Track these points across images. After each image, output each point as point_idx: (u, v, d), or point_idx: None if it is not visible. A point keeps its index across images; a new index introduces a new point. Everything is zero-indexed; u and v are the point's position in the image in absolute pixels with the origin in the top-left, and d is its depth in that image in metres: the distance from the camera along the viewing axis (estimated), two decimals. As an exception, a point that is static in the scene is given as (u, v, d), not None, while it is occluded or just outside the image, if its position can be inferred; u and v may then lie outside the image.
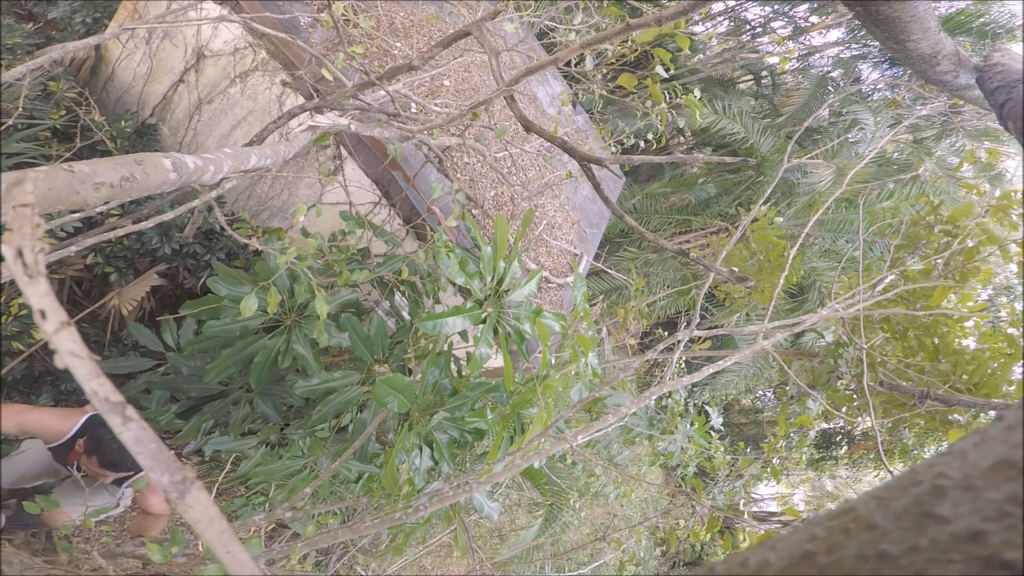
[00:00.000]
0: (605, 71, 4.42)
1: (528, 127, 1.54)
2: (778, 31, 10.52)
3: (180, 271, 3.48)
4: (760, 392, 13.45)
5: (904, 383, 3.52)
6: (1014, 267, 3.54)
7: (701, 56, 10.35)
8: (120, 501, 2.49)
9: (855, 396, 4.04)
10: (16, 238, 0.35)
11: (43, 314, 0.32)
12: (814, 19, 10.14)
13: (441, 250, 2.41)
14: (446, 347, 2.59)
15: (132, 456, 2.24)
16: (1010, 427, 0.28)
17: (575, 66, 4.69)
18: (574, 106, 5.79)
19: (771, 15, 10.19)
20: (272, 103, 3.36)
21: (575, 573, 6.26)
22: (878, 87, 9.75)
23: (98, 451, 2.15)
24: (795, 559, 0.29)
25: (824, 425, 10.92)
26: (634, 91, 2.80)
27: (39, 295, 0.33)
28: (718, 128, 8.49)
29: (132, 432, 0.32)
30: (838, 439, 11.72)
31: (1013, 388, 3.38)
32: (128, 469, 2.27)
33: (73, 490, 2.44)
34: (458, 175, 3.78)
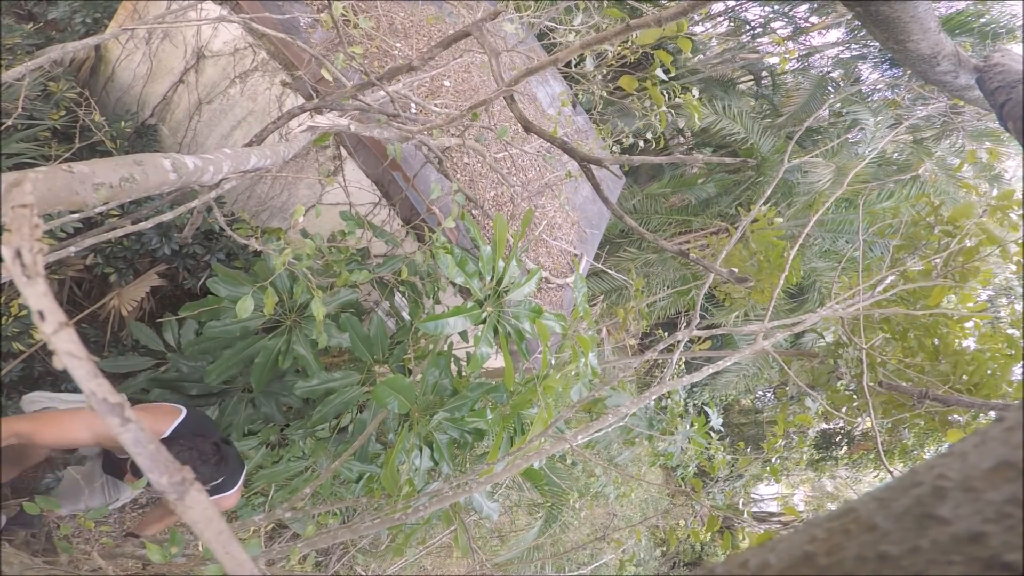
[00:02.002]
0: (605, 72, 4.42)
1: (528, 127, 1.54)
2: (778, 31, 10.53)
3: (180, 271, 3.47)
4: (760, 392, 13.45)
5: (904, 383, 3.52)
6: (1013, 267, 3.54)
7: (701, 56, 10.35)
8: (111, 505, 2.45)
9: (855, 396, 4.05)
10: (15, 239, 0.35)
11: (41, 315, 0.32)
12: (814, 19, 10.14)
13: (439, 251, 2.41)
14: (446, 347, 2.59)
15: (209, 469, 2.01)
16: (1010, 428, 0.28)
17: (575, 67, 4.69)
18: (574, 107, 5.79)
19: (771, 15, 10.19)
20: (272, 103, 3.36)
21: (575, 573, 6.25)
22: (878, 87, 9.75)
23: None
24: (795, 560, 0.29)
25: (824, 425, 10.91)
26: (634, 92, 2.80)
27: (37, 296, 0.33)
28: (718, 128, 8.50)
29: (131, 433, 0.32)
30: (838, 439, 11.72)
31: (1012, 389, 3.38)
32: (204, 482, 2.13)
33: (71, 489, 2.38)
34: (458, 175, 3.78)
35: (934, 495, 0.26)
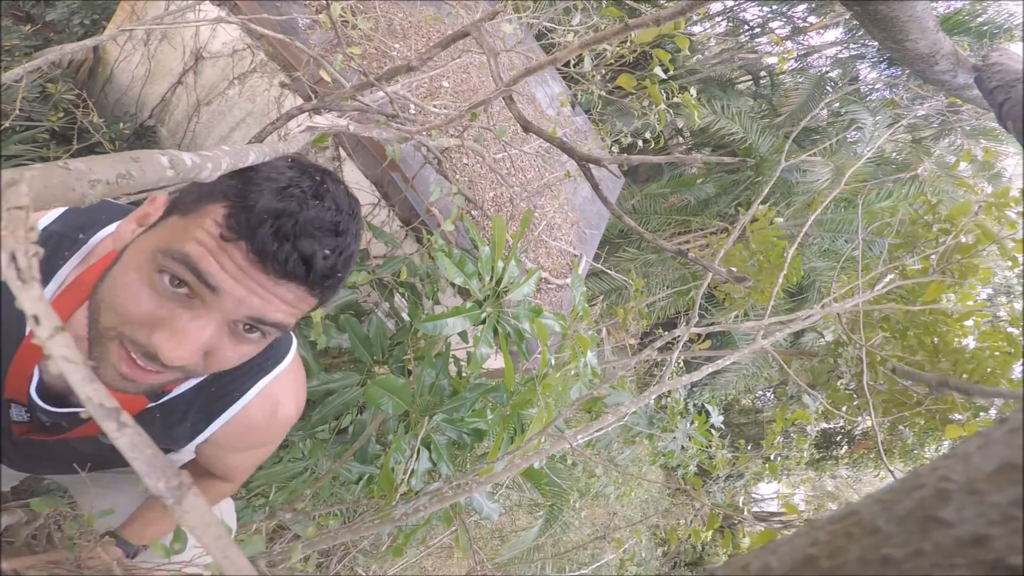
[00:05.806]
0: (604, 72, 4.42)
1: (527, 128, 1.53)
2: (776, 31, 10.54)
3: (179, 273, 3.46)
4: (760, 392, 13.45)
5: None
6: (1010, 264, 3.55)
7: (700, 57, 10.35)
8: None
9: (855, 395, 4.05)
10: (10, 242, 0.35)
11: (36, 319, 0.32)
12: (812, 19, 10.15)
13: (438, 252, 2.41)
14: (444, 348, 2.59)
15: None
16: (1014, 430, 0.27)
17: (574, 67, 4.69)
18: (573, 107, 5.79)
19: (769, 15, 10.20)
20: (271, 105, 3.36)
21: (576, 574, 6.25)
22: (876, 87, 9.76)
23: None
24: (797, 563, 0.29)
25: (824, 425, 10.92)
26: (633, 92, 2.80)
27: (32, 300, 0.33)
28: (717, 128, 8.50)
29: (127, 438, 0.31)
30: (838, 439, 11.72)
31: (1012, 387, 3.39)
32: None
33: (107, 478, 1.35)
34: (457, 176, 3.78)
35: (937, 497, 0.26)
